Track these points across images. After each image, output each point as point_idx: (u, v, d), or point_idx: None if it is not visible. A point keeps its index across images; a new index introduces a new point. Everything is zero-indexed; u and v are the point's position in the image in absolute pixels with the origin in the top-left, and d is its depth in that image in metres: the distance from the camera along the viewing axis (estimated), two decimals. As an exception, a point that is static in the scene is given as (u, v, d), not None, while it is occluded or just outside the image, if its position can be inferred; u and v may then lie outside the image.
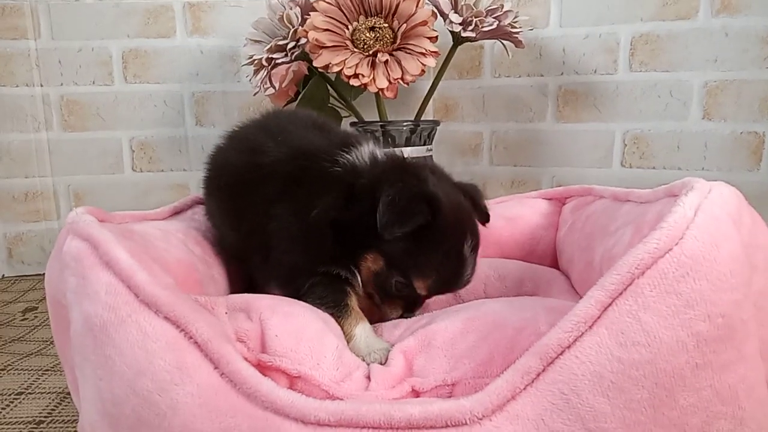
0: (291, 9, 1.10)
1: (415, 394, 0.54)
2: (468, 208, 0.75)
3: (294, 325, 0.57)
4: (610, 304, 0.45)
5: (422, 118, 1.25)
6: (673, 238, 0.46)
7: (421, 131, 1.21)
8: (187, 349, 0.46)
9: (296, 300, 0.64)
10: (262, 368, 0.51)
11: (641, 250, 0.46)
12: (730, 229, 0.49)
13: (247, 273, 0.79)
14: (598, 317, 0.45)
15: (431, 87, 1.25)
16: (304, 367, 0.52)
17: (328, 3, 1.06)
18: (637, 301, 0.45)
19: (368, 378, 0.55)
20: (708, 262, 0.45)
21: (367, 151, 0.73)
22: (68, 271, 0.51)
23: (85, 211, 0.56)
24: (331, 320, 0.63)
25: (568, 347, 0.45)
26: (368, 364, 0.57)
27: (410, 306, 0.72)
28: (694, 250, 0.45)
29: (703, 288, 0.45)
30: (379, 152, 0.74)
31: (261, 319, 0.57)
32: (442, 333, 0.59)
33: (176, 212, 0.83)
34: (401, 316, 0.72)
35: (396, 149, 1.15)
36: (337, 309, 0.65)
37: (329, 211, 0.68)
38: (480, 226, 0.75)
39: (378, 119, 1.22)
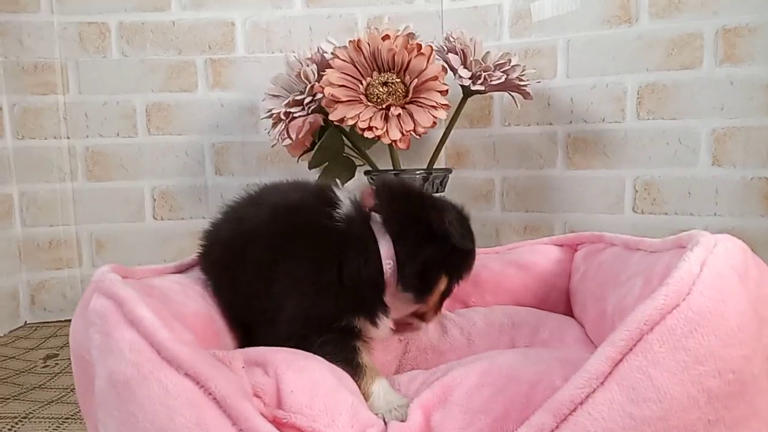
0: (308, 66, 1.15)
1: None
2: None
3: (309, 380, 0.58)
4: (620, 360, 0.46)
5: (434, 166, 1.28)
6: (679, 293, 0.47)
7: (434, 179, 1.24)
8: (206, 405, 0.47)
9: (311, 354, 0.65)
10: (278, 424, 0.51)
11: (649, 306, 0.47)
12: (736, 283, 0.49)
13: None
14: (609, 373, 0.45)
15: (443, 136, 1.28)
16: (318, 425, 0.53)
17: (343, 60, 1.11)
18: (646, 357, 0.45)
19: (383, 435, 0.55)
20: (715, 318, 0.46)
21: (345, 198, 0.76)
22: (93, 328, 0.53)
23: (110, 269, 0.58)
24: (346, 376, 0.63)
25: (581, 404, 0.45)
26: (386, 422, 0.57)
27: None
28: (700, 305, 0.46)
29: (712, 343, 0.45)
30: (349, 195, 0.77)
31: (277, 373, 0.58)
32: (458, 386, 0.59)
33: (194, 265, 0.85)
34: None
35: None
36: (350, 367, 0.65)
37: (360, 270, 0.70)
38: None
39: (392, 168, 1.25)
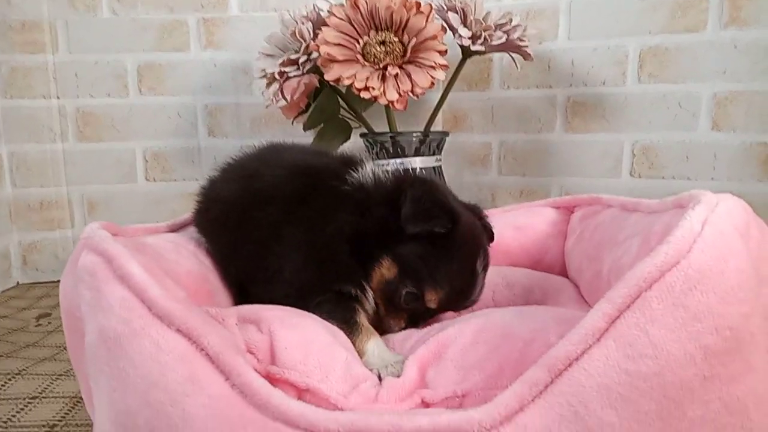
0: (303, 24, 1.12)
1: (426, 405, 0.54)
2: (480, 228, 0.77)
3: (303, 337, 0.58)
4: (617, 317, 0.45)
5: (432, 129, 1.26)
6: (680, 251, 0.46)
7: (431, 142, 1.22)
8: (198, 361, 0.46)
9: (306, 312, 0.65)
10: (272, 380, 0.51)
11: (649, 264, 0.46)
12: (737, 242, 0.49)
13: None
14: (606, 330, 0.45)
15: (441, 98, 1.26)
16: (312, 380, 0.53)
17: (339, 18, 1.08)
18: (644, 314, 0.45)
19: (378, 389, 0.55)
20: (715, 276, 0.46)
21: (370, 169, 0.74)
22: (83, 285, 0.52)
23: (99, 226, 0.57)
24: (340, 333, 0.63)
25: (576, 359, 0.45)
26: (381, 378, 0.57)
27: (414, 321, 0.72)
28: (701, 263, 0.46)
29: (711, 301, 0.45)
30: (381, 171, 0.75)
31: (270, 330, 0.58)
32: (452, 343, 0.59)
33: (187, 224, 0.84)
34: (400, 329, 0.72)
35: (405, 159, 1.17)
36: (346, 325, 0.65)
37: (344, 225, 0.69)
38: None
39: (388, 130, 1.23)
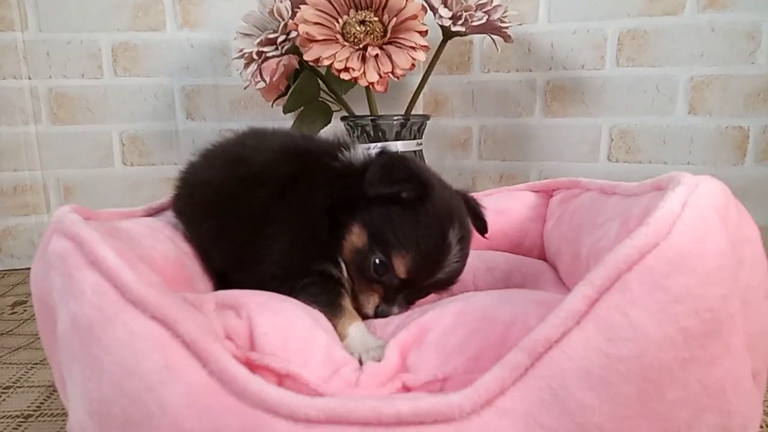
0: (281, 2, 1.10)
1: (407, 389, 0.54)
2: (461, 207, 0.75)
3: (283, 322, 0.57)
4: (597, 300, 0.45)
5: (412, 113, 1.26)
6: (659, 233, 0.46)
7: (412, 125, 1.22)
8: (174, 348, 0.45)
9: (286, 297, 0.64)
10: (251, 366, 0.51)
11: (628, 246, 0.46)
12: (717, 224, 0.49)
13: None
14: (586, 312, 0.45)
15: (421, 82, 1.25)
16: (292, 366, 0.52)
17: (318, -3, 1.06)
18: (624, 296, 0.44)
19: (359, 373, 0.55)
20: (695, 258, 0.45)
21: (360, 150, 0.74)
22: (54, 270, 0.50)
23: (70, 209, 0.55)
24: (322, 317, 0.63)
25: (556, 342, 0.44)
26: (362, 363, 0.57)
27: (388, 296, 0.69)
28: (681, 245, 0.45)
29: (691, 283, 0.45)
30: (370, 152, 0.75)
31: (249, 316, 0.57)
32: (433, 327, 0.59)
33: (164, 208, 0.82)
34: (376, 315, 0.69)
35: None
36: (330, 308, 0.64)
37: (325, 201, 0.68)
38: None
39: (368, 113, 1.23)
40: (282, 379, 0.52)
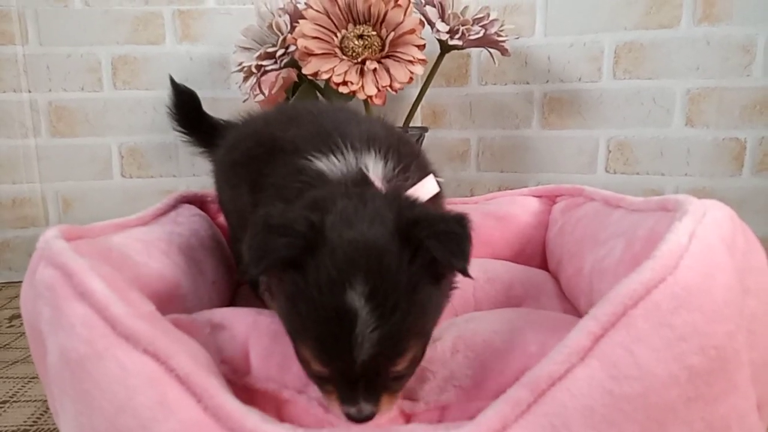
0: (280, 17, 1.11)
1: (406, 417, 0.53)
2: (381, 240, 0.49)
3: (280, 345, 0.56)
4: (602, 336, 0.44)
5: (410, 125, 1.26)
6: (667, 267, 0.45)
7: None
8: (168, 383, 0.43)
9: (273, 313, 0.61)
10: (249, 391, 0.50)
11: (634, 280, 0.45)
12: (724, 256, 0.48)
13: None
14: (590, 349, 0.44)
15: (419, 94, 1.26)
16: (291, 391, 0.51)
17: (316, 11, 1.07)
18: (629, 333, 0.43)
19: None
20: (702, 293, 0.44)
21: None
22: (41, 300, 0.49)
23: (57, 233, 0.52)
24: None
25: (559, 379, 0.43)
26: None
27: (344, 396, 0.49)
28: (688, 280, 0.44)
29: (697, 320, 0.44)
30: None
31: (246, 339, 0.56)
32: (431, 353, 0.57)
33: (159, 214, 0.81)
34: (354, 420, 0.50)
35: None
36: None
37: None
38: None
39: (366, 126, 1.23)
40: (281, 404, 0.51)
